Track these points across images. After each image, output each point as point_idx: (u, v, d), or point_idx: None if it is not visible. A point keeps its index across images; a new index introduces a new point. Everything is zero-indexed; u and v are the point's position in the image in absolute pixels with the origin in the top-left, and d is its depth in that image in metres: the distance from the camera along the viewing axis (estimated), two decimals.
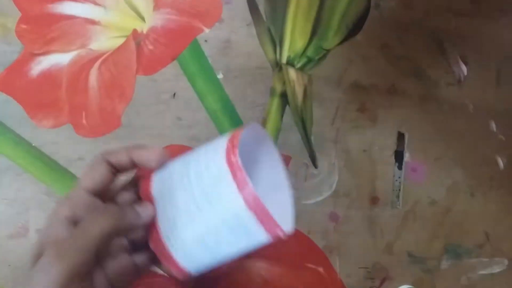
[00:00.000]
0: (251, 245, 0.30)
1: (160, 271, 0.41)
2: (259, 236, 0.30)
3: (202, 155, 0.30)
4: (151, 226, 0.31)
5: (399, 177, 0.49)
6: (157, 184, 0.32)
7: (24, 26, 0.46)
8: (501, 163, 0.51)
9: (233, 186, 0.28)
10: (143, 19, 0.47)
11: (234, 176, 0.28)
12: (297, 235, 0.46)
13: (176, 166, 0.31)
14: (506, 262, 0.49)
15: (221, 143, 0.30)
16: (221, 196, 0.29)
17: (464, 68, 0.51)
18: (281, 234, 0.29)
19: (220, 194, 0.29)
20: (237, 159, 0.28)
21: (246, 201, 0.28)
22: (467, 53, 0.51)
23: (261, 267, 0.45)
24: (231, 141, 0.29)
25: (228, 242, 0.30)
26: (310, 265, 0.46)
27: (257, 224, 0.29)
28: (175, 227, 0.31)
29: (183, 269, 0.31)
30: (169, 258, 0.31)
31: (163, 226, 0.31)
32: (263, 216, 0.29)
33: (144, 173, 0.32)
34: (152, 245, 0.31)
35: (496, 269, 0.49)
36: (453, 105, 0.47)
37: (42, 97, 0.45)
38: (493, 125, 0.51)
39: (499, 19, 0.53)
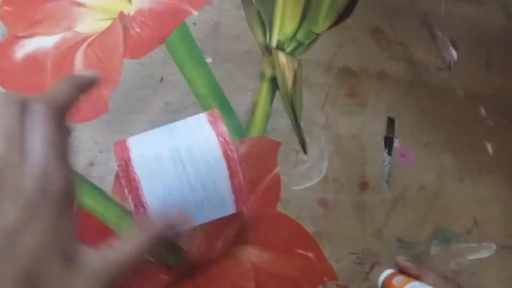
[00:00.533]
0: (219, 216, 0.39)
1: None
2: (229, 211, 0.38)
3: (193, 147, 0.36)
4: (136, 202, 0.35)
5: (389, 163, 0.49)
6: (140, 166, 0.36)
7: (8, 8, 0.45)
8: (490, 149, 0.51)
9: (226, 174, 0.36)
10: (130, 1, 0.46)
11: (229, 167, 0.36)
12: (286, 221, 0.46)
13: (162, 151, 0.36)
14: (494, 247, 0.50)
15: (207, 134, 0.37)
16: (215, 182, 0.36)
17: (454, 53, 0.51)
18: (244, 209, 0.39)
19: (213, 180, 0.36)
20: (234, 154, 0.37)
21: (233, 186, 0.37)
22: (458, 38, 0.51)
23: (250, 253, 0.45)
24: (222, 135, 0.37)
25: (204, 215, 0.38)
26: (299, 251, 0.46)
27: (233, 203, 0.38)
28: (165, 203, 0.36)
29: None
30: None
31: (151, 202, 0.35)
32: (241, 198, 0.38)
33: (121, 152, 0.37)
34: (137, 218, 0.35)
35: (485, 254, 0.50)
36: (442, 90, 0.48)
37: (26, 81, 0.44)
38: (482, 111, 0.51)
39: (490, 4, 0.53)
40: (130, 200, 0.35)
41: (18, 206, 0.23)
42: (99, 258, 0.25)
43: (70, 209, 0.25)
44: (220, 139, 0.37)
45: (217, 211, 0.38)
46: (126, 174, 0.35)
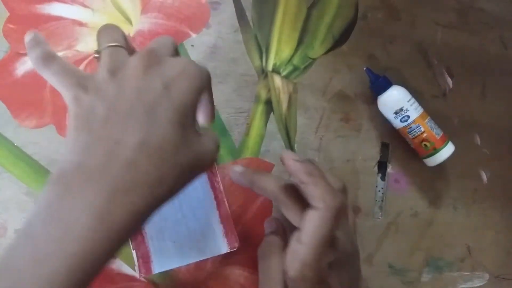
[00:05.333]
0: (214, 254, 0.42)
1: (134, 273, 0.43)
2: (221, 247, 0.42)
3: None
4: None
5: (382, 188, 0.50)
6: None
7: (11, 26, 0.48)
8: (484, 177, 0.53)
9: (213, 203, 0.42)
10: (130, 22, 0.49)
11: (216, 197, 0.42)
12: None
13: None
14: (487, 276, 0.51)
15: None
16: (204, 210, 0.41)
17: (449, 81, 0.53)
18: (236, 246, 0.42)
19: (203, 208, 0.41)
20: (219, 185, 0.42)
21: (220, 215, 0.41)
22: (453, 66, 0.54)
23: (240, 275, 0.47)
24: (210, 168, 0.42)
25: (198, 248, 0.41)
26: None
27: (223, 236, 0.42)
28: (160, 231, 0.40)
29: (151, 269, 0.37)
30: (147, 259, 0.40)
31: (148, 230, 0.40)
32: (229, 230, 0.42)
33: None
34: (133, 245, 0.39)
35: (477, 283, 0.51)
36: (437, 117, 0.50)
37: (26, 97, 0.47)
38: (477, 139, 0.53)
39: (486, 34, 0.55)
40: None
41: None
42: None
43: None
44: (209, 172, 0.42)
45: (210, 243, 0.41)
46: None
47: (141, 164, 0.28)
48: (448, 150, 0.49)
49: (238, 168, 0.41)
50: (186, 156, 0.30)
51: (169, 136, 0.29)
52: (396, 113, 0.48)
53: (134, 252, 0.40)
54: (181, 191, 0.31)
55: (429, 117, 0.49)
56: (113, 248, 0.27)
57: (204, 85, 0.32)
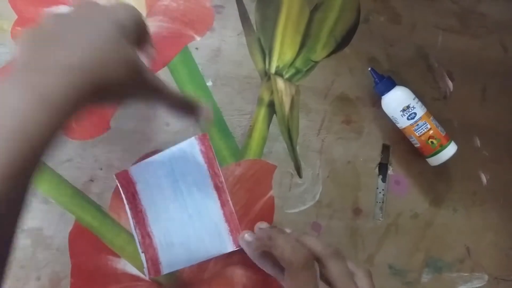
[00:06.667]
0: (220, 252, 0.43)
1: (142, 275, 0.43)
2: (227, 245, 0.43)
3: (189, 178, 0.43)
4: (143, 232, 0.41)
5: (383, 190, 0.51)
6: (146, 198, 0.42)
7: (19, 29, 0.49)
8: (484, 179, 0.53)
9: (218, 203, 0.43)
10: None
11: (219, 196, 0.43)
12: None
13: (163, 183, 0.42)
14: (486, 277, 0.52)
15: (200, 167, 0.44)
16: (208, 210, 0.42)
17: (450, 84, 0.54)
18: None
19: (207, 208, 0.42)
20: (223, 185, 0.43)
21: (224, 214, 0.42)
22: (454, 69, 0.55)
23: (242, 275, 0.48)
24: (212, 168, 0.44)
25: (205, 248, 0.42)
26: None
27: (229, 234, 0.42)
28: (168, 232, 0.41)
29: (160, 270, 0.38)
30: (155, 261, 0.39)
31: (156, 231, 0.41)
32: (234, 228, 0.42)
33: (127, 185, 0.42)
34: (142, 248, 0.37)
35: (476, 284, 0.52)
36: (438, 120, 0.50)
37: None
38: (477, 141, 0.54)
39: (486, 37, 0.56)
40: (137, 230, 0.39)
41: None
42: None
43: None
44: (210, 171, 0.44)
45: (216, 242, 0.41)
46: (133, 206, 0.40)
47: (70, 44, 0.30)
48: (452, 149, 0.49)
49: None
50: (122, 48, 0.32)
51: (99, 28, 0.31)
52: (403, 110, 0.49)
53: (143, 255, 0.41)
54: (122, 85, 0.32)
55: (432, 116, 0.50)
56: (52, 123, 0.28)
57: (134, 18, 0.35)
